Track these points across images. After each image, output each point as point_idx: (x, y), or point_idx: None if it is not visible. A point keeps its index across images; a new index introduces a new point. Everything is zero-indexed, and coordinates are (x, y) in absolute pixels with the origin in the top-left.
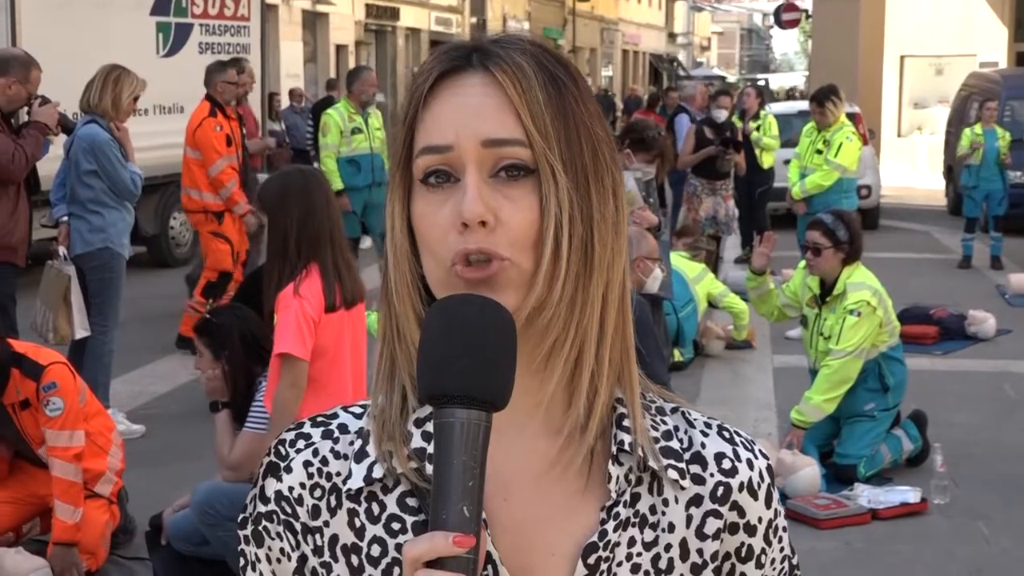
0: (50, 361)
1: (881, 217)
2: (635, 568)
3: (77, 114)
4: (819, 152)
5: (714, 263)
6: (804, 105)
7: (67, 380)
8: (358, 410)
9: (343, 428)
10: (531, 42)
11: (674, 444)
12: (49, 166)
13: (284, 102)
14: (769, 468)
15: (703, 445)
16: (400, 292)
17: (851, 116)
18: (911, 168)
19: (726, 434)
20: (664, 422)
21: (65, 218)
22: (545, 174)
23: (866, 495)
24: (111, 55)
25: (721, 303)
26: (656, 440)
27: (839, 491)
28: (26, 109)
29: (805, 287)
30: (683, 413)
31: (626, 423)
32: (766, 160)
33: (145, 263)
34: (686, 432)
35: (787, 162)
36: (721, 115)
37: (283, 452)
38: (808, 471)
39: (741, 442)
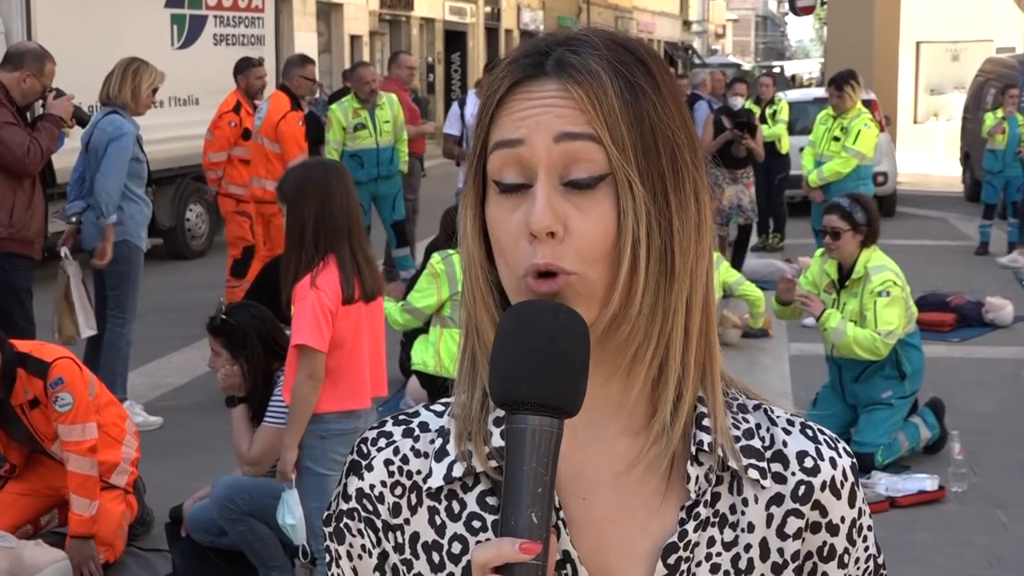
0: (55, 357)
1: (898, 204)
2: (715, 568)
3: (92, 107)
4: (836, 139)
5: (726, 249)
6: (820, 92)
7: (74, 374)
8: (440, 408)
9: (424, 426)
10: (610, 39)
11: (755, 443)
12: (65, 159)
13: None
14: (853, 466)
15: (785, 443)
16: (475, 296)
17: (867, 103)
18: (928, 155)
19: (809, 432)
20: (746, 420)
21: (74, 218)
22: (623, 186)
23: (884, 483)
24: (125, 47)
25: (737, 291)
26: (737, 439)
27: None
28: (41, 102)
29: (823, 273)
30: (766, 410)
31: (706, 423)
32: (783, 145)
33: (161, 255)
34: (768, 430)
35: (802, 149)
36: (737, 102)
37: (365, 451)
38: None
39: (824, 440)
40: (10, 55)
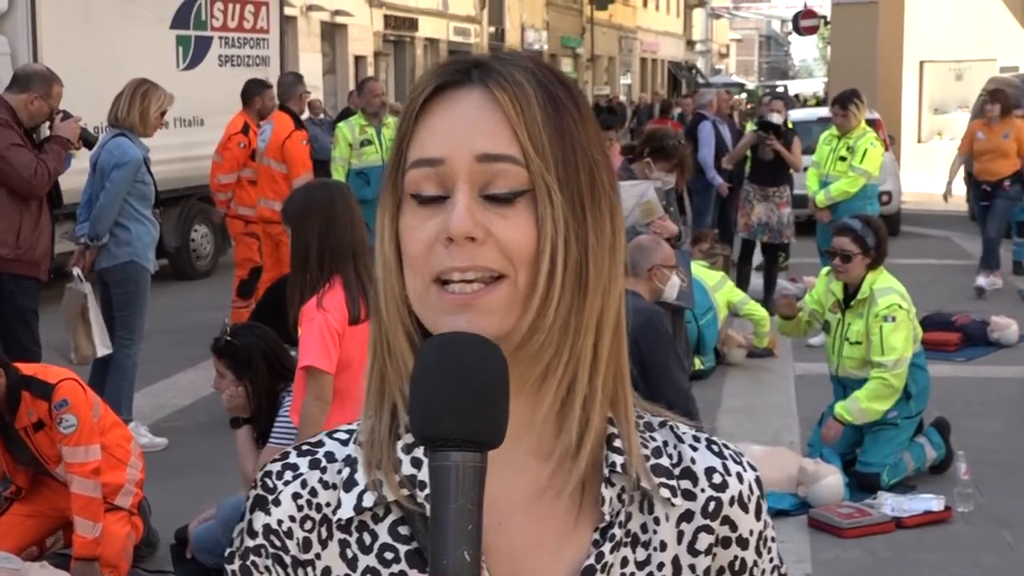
0: (59, 379)
1: (902, 223)
2: None
3: (98, 128)
4: (842, 159)
5: (731, 269)
6: (823, 112)
7: (78, 396)
8: (344, 436)
9: (330, 456)
10: (533, 60)
11: (664, 461)
12: (71, 180)
13: (304, 114)
14: (758, 480)
15: (693, 460)
16: (388, 308)
17: (871, 122)
18: (931, 174)
19: (715, 448)
20: (653, 438)
21: (83, 239)
22: (541, 194)
23: (890, 503)
24: (131, 69)
25: (742, 311)
26: (647, 458)
27: (862, 499)
28: (48, 124)
29: (829, 293)
30: (671, 427)
31: (617, 444)
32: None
33: (166, 276)
34: (675, 447)
35: (806, 169)
36: (775, 118)
37: (270, 484)
38: (831, 479)
39: (730, 455)
40: (18, 77)
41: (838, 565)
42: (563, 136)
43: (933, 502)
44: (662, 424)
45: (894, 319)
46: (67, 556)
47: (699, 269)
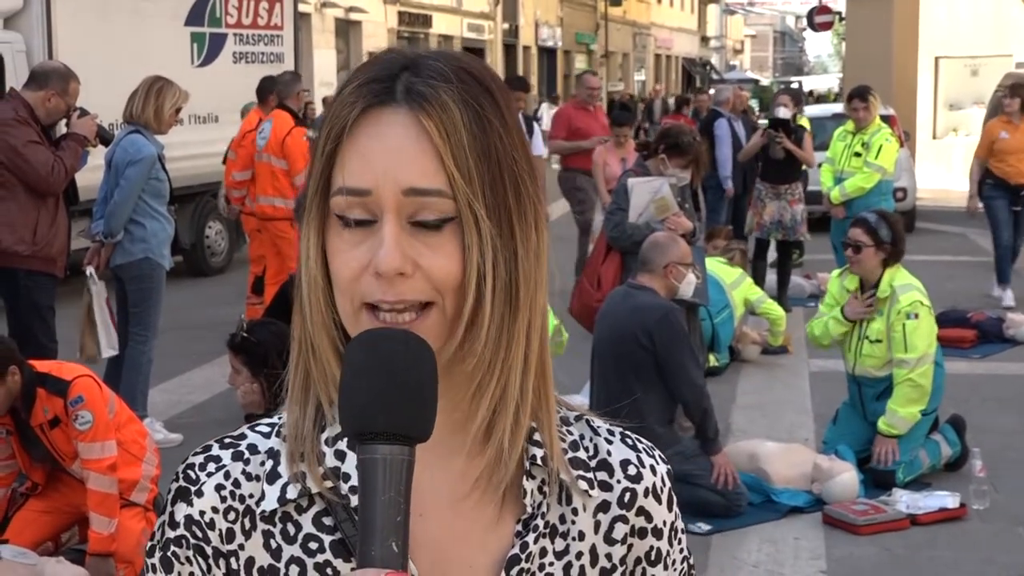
0: (74, 375)
1: (917, 219)
2: None
3: (112, 124)
4: (857, 155)
5: (747, 265)
6: (838, 108)
7: (93, 392)
8: (266, 429)
9: (253, 448)
10: (458, 68)
11: (581, 454)
12: (88, 177)
13: (318, 110)
14: (669, 472)
15: (609, 452)
16: (314, 319)
17: (886, 119)
18: (947, 170)
19: (629, 441)
20: (570, 432)
21: (98, 236)
22: (468, 224)
23: (904, 500)
24: (145, 65)
25: (758, 309)
26: (564, 451)
27: (877, 496)
28: (64, 121)
29: (843, 290)
30: (587, 421)
31: (537, 437)
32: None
33: (181, 272)
34: (591, 440)
35: (820, 165)
36: (780, 112)
37: (193, 476)
38: (846, 476)
39: (643, 448)
40: (35, 74)
41: (852, 562)
42: (490, 156)
43: (948, 499)
44: (578, 418)
45: (917, 316)
46: (82, 552)
47: (717, 266)
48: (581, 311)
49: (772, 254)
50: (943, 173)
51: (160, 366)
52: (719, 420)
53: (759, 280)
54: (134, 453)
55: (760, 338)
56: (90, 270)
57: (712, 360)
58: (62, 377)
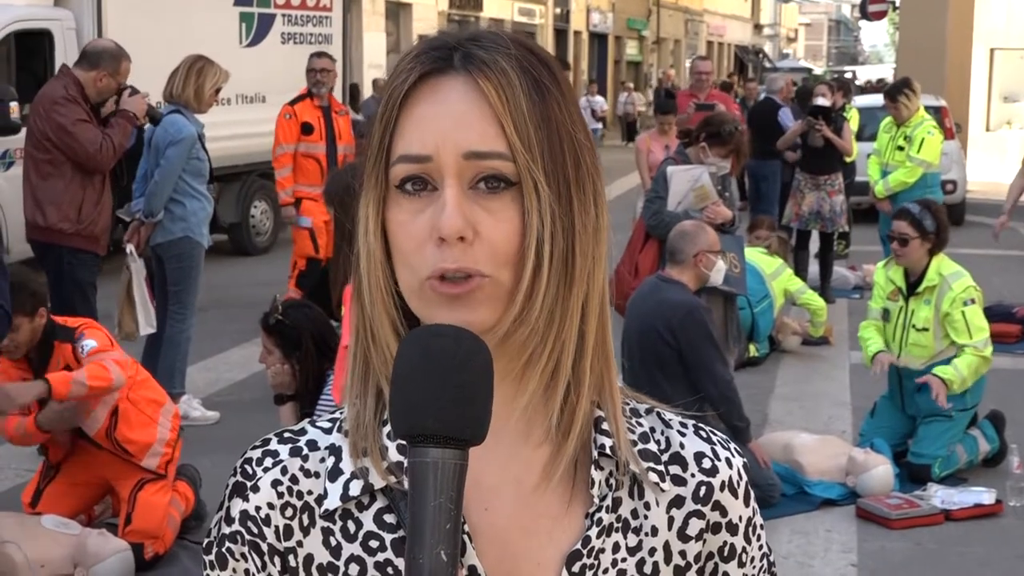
0: (80, 323)
1: (967, 213)
2: (620, 574)
3: (159, 103)
4: (900, 149)
5: (788, 255)
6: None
7: (98, 334)
8: (327, 424)
9: (312, 444)
10: (514, 41)
11: (652, 446)
12: None
13: (367, 92)
14: (745, 466)
15: (682, 445)
16: (373, 297)
17: (937, 110)
18: (1000, 163)
19: (703, 433)
20: (640, 424)
21: (138, 215)
22: (528, 188)
23: (939, 495)
24: (195, 45)
25: (799, 300)
26: (634, 443)
27: (912, 491)
28: (114, 98)
29: (889, 281)
30: (658, 414)
31: (605, 427)
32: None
33: (226, 251)
34: (663, 433)
35: (869, 156)
36: (821, 101)
37: (250, 471)
38: (881, 470)
39: (718, 440)
40: (87, 53)
41: (884, 555)
42: (549, 123)
43: (984, 495)
44: (648, 411)
45: (973, 301)
46: (114, 525)
47: (757, 256)
48: (619, 299)
49: (815, 245)
50: (996, 166)
51: (199, 344)
52: (756, 410)
53: (801, 270)
54: (148, 414)
55: (801, 329)
56: (130, 248)
57: (752, 350)
58: (67, 325)
